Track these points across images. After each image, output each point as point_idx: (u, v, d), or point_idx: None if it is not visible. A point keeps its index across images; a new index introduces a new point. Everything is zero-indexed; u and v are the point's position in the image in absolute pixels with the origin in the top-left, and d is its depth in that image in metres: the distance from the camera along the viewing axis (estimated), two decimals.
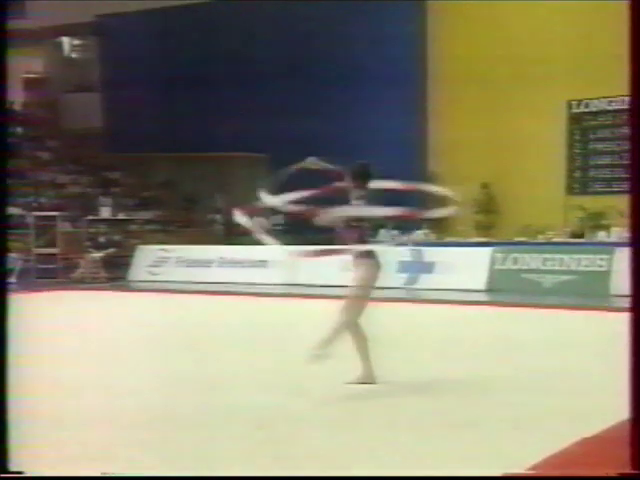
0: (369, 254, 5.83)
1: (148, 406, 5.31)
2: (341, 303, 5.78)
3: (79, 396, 5.64)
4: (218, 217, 22.16)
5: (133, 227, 20.67)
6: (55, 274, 18.11)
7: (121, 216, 20.58)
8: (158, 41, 22.08)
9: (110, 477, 3.72)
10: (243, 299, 13.85)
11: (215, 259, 17.79)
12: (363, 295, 5.78)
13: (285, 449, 4.25)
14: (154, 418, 4.98)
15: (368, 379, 5.81)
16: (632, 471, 3.03)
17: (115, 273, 18.32)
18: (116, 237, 19.92)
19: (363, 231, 5.86)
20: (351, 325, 5.76)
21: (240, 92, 20.01)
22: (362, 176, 5.81)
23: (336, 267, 12.16)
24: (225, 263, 17.57)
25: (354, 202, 5.80)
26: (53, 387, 5.90)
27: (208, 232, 21.23)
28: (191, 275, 17.40)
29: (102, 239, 19.59)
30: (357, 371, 5.78)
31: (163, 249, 18.61)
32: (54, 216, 18.69)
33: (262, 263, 16.68)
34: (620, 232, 14.90)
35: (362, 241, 5.80)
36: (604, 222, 15.69)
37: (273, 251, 17.36)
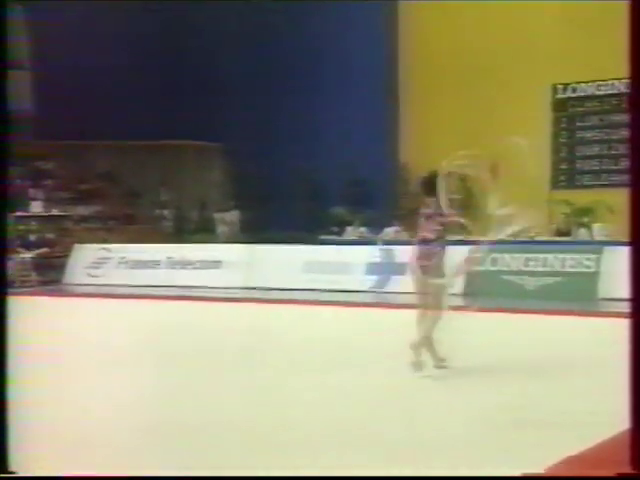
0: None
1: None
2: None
3: None
4: (166, 212, 22.08)
5: (69, 224, 20.49)
6: None
7: (55, 212, 20.39)
8: (98, 13, 21.84)
9: (108, 477, 3.79)
10: (195, 304, 13.84)
11: (163, 260, 17.75)
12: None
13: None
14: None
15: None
16: (632, 471, 3.18)
17: (48, 276, 18.19)
18: (49, 235, 19.75)
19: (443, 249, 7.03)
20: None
21: (190, 75, 19.95)
22: (425, 187, 6.28)
23: (297, 269, 12.21)
24: (174, 264, 17.54)
25: (422, 212, 6.85)
26: None
27: (155, 229, 21.14)
28: (136, 277, 17.33)
29: (33, 237, 19.42)
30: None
31: (104, 248, 18.52)
32: None
33: (215, 264, 16.67)
34: (609, 229, 15.14)
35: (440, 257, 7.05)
36: (591, 218, 15.91)
37: (228, 251, 17.30)
